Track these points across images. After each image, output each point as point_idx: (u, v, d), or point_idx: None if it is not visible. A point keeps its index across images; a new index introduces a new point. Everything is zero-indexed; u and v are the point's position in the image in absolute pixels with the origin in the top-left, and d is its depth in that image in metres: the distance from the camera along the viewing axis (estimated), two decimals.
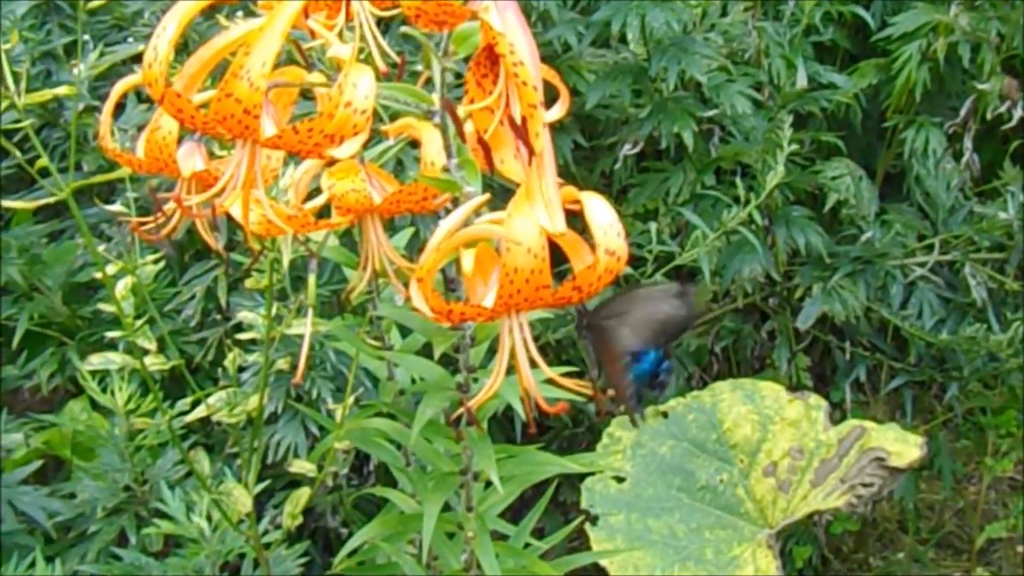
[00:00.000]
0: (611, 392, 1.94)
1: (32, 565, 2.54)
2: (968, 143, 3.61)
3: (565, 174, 3.41)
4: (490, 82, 1.36)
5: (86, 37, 2.74)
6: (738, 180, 3.22)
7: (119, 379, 2.38)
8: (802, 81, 3.37)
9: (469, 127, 1.52)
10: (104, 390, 2.38)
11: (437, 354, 1.79)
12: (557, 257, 1.44)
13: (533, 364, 1.49)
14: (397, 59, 1.66)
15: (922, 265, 3.45)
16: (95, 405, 2.83)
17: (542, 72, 1.58)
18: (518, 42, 1.30)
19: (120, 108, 3.03)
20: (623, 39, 3.30)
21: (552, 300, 1.40)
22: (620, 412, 1.97)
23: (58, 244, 3.14)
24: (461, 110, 1.42)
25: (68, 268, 3.07)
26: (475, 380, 1.90)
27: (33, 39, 2.90)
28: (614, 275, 1.41)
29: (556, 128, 3.48)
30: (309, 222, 1.71)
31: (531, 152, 1.33)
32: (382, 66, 1.63)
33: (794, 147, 3.18)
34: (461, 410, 1.65)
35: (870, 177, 3.70)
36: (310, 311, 1.95)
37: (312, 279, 1.89)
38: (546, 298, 1.38)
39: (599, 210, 1.39)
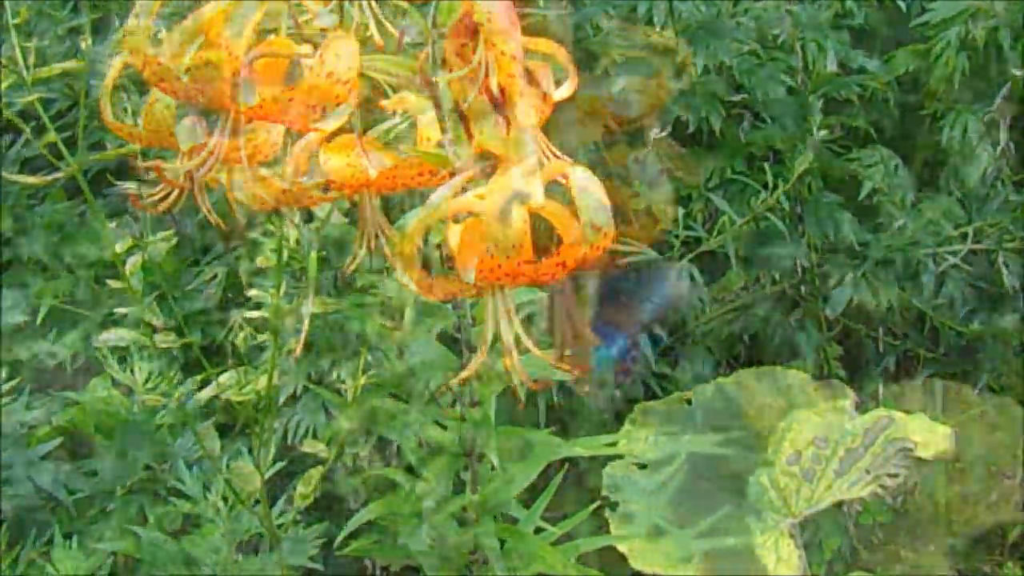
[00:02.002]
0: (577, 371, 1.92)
1: (50, 542, 2.55)
2: (1005, 131, 3.54)
3: (596, 159, 3.39)
4: (470, 52, 1.33)
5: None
6: (766, 166, 3.18)
7: (138, 358, 2.39)
8: (832, 65, 3.32)
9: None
10: (126, 369, 2.39)
11: (434, 333, 1.78)
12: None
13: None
14: (395, 32, 1.64)
15: (954, 254, 3.40)
16: (117, 384, 2.85)
17: (551, 48, 1.56)
18: (496, 10, 1.27)
19: (146, 89, 3.02)
20: (651, 22, 3.27)
21: (535, 275, 1.37)
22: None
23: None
24: (441, 81, 1.39)
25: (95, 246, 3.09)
26: None
27: (57, 16, 2.91)
28: (600, 251, 1.38)
29: (587, 112, 3.47)
30: (304, 196, 1.69)
31: (510, 123, 1.31)
32: (379, 39, 1.61)
33: (824, 133, 3.13)
34: (442, 386, 1.64)
35: (907, 165, 3.64)
36: (311, 289, 1.94)
37: (313, 256, 1.88)
38: (529, 273, 1.36)
39: (584, 183, 1.36)
